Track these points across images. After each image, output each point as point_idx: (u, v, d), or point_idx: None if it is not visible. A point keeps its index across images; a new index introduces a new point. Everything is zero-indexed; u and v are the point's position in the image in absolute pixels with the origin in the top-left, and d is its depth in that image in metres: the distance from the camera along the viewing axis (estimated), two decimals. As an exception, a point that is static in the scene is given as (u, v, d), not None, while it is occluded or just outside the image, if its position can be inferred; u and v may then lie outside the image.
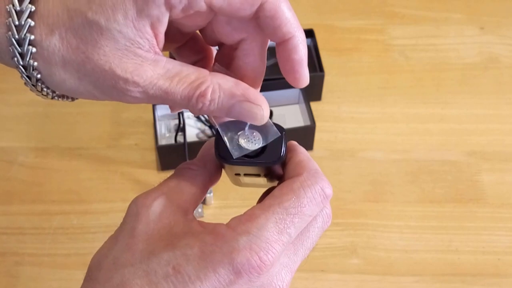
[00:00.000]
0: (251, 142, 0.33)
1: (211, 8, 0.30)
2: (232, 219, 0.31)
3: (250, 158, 0.32)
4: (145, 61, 0.29)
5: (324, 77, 0.78)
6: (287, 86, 0.77)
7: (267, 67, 0.93)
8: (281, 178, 0.36)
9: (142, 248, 0.30)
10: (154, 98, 0.30)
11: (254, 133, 0.33)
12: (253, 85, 0.33)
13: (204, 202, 0.68)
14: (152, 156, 0.73)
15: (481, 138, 0.76)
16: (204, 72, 0.31)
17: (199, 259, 0.28)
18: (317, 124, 0.72)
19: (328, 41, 0.88)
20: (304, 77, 0.32)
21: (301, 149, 0.34)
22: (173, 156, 0.71)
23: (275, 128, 0.33)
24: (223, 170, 0.36)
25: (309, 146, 0.74)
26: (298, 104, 0.79)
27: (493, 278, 0.62)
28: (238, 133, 0.33)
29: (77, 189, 0.70)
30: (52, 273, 0.63)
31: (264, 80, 0.89)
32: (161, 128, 0.75)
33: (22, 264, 0.64)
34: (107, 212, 0.68)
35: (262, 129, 0.33)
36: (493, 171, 0.72)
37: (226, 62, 0.34)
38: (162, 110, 0.75)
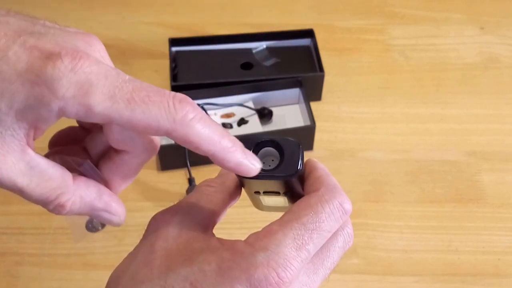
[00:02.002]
0: (270, 166, 0.33)
1: (110, 123, 0.28)
2: (250, 235, 0.30)
3: (268, 171, 0.32)
4: (11, 151, 0.27)
5: (324, 77, 0.78)
6: (287, 86, 0.77)
7: (267, 67, 0.93)
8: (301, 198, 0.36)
9: (160, 263, 0.29)
10: (8, 189, 0.29)
11: (272, 155, 0.33)
12: (119, 186, 0.33)
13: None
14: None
15: (481, 138, 0.76)
16: (68, 180, 0.30)
17: (217, 275, 0.28)
18: (317, 124, 0.72)
19: (328, 41, 0.88)
20: (250, 171, 0.31)
21: (320, 165, 0.34)
22: (173, 156, 0.71)
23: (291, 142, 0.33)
24: (243, 190, 0.36)
25: (309, 146, 0.74)
26: (298, 104, 0.79)
27: (493, 278, 0.62)
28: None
29: (77, 189, 0.70)
30: (52, 273, 0.63)
31: (264, 80, 0.89)
32: (161, 128, 0.75)
33: (22, 264, 0.64)
34: (107, 212, 0.68)
35: (279, 145, 0.33)
36: (493, 171, 0.72)
37: (100, 152, 0.34)
38: (162, 110, 0.75)
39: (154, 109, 0.27)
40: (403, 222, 0.67)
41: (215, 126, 0.29)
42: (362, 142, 0.76)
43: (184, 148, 0.70)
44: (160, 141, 0.80)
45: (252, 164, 0.31)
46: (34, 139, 0.29)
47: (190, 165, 0.70)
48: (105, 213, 0.32)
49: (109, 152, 0.33)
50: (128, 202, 0.73)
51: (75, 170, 0.31)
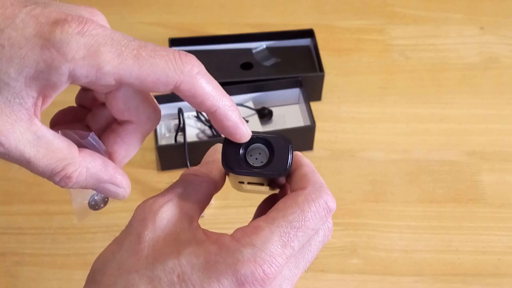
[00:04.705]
0: (257, 159, 0.33)
1: (119, 83, 0.28)
2: (237, 230, 0.31)
3: (257, 168, 0.33)
4: (18, 121, 0.27)
5: (324, 77, 0.78)
6: (287, 86, 0.77)
7: (267, 67, 0.93)
8: (282, 187, 0.36)
9: (147, 254, 0.30)
10: (14, 161, 0.28)
11: (260, 149, 0.33)
12: (123, 159, 0.34)
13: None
14: (152, 156, 0.73)
15: (481, 138, 0.76)
16: (74, 152, 0.30)
17: (204, 268, 0.29)
18: (317, 124, 0.72)
19: (328, 41, 0.88)
20: (244, 134, 0.32)
21: (306, 161, 0.34)
22: (173, 156, 0.71)
23: (282, 142, 0.33)
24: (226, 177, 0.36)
25: (309, 146, 0.74)
26: (298, 104, 0.79)
27: (493, 278, 0.62)
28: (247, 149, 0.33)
29: (77, 189, 0.70)
30: (52, 273, 0.63)
31: (264, 80, 0.89)
32: (161, 128, 0.75)
33: (22, 264, 0.64)
34: (107, 212, 0.68)
35: (269, 143, 0.33)
36: (493, 171, 0.72)
37: (102, 128, 0.34)
38: (162, 110, 0.74)
39: (161, 62, 0.28)
40: (403, 222, 0.67)
41: (217, 83, 0.30)
42: (362, 142, 0.76)
43: (184, 148, 0.70)
44: (160, 140, 0.80)
45: (246, 129, 0.32)
46: (41, 110, 0.29)
47: (190, 165, 0.70)
48: (111, 185, 0.32)
49: (112, 125, 0.33)
50: (128, 202, 0.72)
51: (79, 144, 0.31)
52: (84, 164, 0.30)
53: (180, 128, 0.73)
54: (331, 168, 0.73)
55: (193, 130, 0.74)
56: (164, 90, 0.29)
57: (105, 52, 0.27)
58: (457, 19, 0.92)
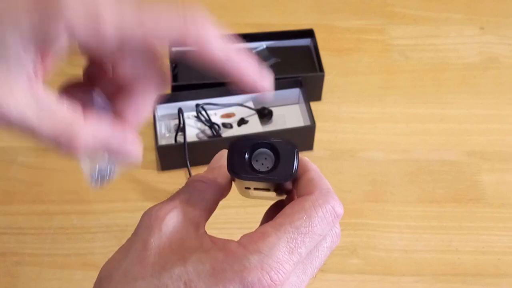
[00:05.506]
0: (263, 164, 0.33)
1: (120, 37, 0.26)
2: (243, 236, 0.30)
3: (262, 173, 0.33)
4: (19, 83, 0.26)
5: (324, 77, 0.78)
6: (287, 86, 0.77)
7: (267, 67, 0.92)
8: (289, 193, 0.36)
9: (153, 261, 0.29)
10: (17, 129, 0.27)
11: (266, 154, 0.33)
12: (133, 120, 0.32)
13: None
14: (152, 156, 0.73)
15: (481, 138, 0.76)
16: (79, 117, 0.28)
17: (210, 276, 0.28)
18: (317, 124, 0.72)
19: (328, 41, 0.88)
20: (266, 84, 0.31)
21: (313, 166, 0.34)
22: (173, 156, 0.71)
23: (288, 146, 0.33)
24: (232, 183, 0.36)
25: (309, 146, 0.74)
26: (298, 104, 0.79)
27: (493, 278, 0.62)
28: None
29: (77, 189, 0.70)
30: (52, 273, 0.63)
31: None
32: (161, 128, 0.75)
33: (22, 264, 0.64)
34: (107, 212, 0.68)
35: (275, 148, 0.33)
36: (493, 171, 0.72)
37: (111, 90, 0.32)
38: (162, 110, 0.75)
39: (163, 9, 0.27)
40: (403, 222, 0.67)
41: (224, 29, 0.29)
42: (362, 142, 0.76)
43: (184, 148, 0.70)
44: (160, 140, 0.80)
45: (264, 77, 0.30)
46: (42, 73, 0.27)
47: (190, 165, 0.70)
48: (121, 148, 0.31)
49: (121, 89, 0.32)
50: (128, 202, 0.73)
51: (86, 105, 0.29)
52: (91, 130, 0.29)
53: (180, 128, 0.73)
54: (331, 168, 0.73)
55: (193, 130, 0.74)
56: (170, 40, 0.28)
57: (103, 0, 0.26)
58: (457, 19, 0.92)
